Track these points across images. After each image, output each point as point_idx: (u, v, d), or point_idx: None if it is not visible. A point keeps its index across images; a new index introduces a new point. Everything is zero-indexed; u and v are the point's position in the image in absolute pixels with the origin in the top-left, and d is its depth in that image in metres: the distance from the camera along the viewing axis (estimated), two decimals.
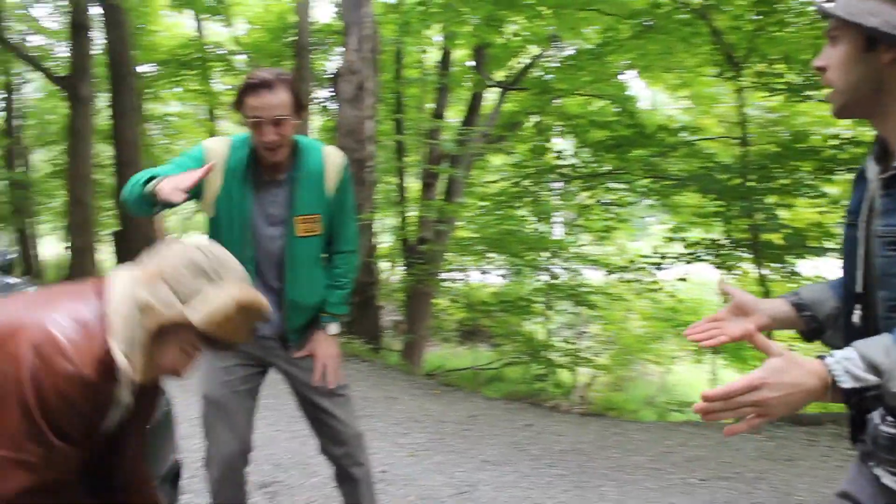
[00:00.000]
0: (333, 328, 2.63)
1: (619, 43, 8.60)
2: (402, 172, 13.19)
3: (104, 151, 14.84)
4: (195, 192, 2.30)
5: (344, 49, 8.99)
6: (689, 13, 7.67)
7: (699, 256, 7.82)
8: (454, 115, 14.05)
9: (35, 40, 16.02)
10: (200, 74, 15.50)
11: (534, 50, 12.19)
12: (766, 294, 6.59)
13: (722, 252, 7.65)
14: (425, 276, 10.51)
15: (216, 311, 1.57)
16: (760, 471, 4.60)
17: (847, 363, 1.15)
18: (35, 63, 14.02)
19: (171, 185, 2.10)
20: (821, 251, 6.73)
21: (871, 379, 1.14)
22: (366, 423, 3.32)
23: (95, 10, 12.60)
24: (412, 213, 12.96)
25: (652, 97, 13.99)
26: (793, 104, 8.08)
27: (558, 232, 11.20)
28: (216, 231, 2.49)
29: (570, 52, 10.75)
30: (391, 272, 13.82)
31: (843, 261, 1.46)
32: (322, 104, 14.51)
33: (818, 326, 1.56)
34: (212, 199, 2.46)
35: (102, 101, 13.99)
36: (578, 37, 10.15)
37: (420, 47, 13.11)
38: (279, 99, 2.34)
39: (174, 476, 2.54)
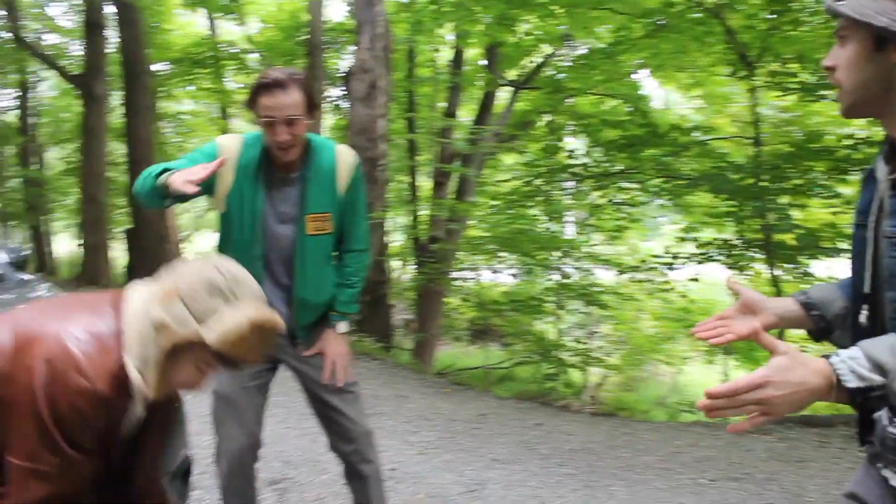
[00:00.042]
0: (343, 326, 2.63)
1: (632, 42, 8.58)
2: (414, 171, 13.21)
3: (118, 149, 14.94)
4: (207, 188, 2.31)
5: (356, 48, 8.99)
6: (703, 12, 7.65)
7: (711, 256, 7.80)
8: (466, 113, 14.06)
9: (50, 39, 16.20)
10: (213, 73, 15.59)
11: (546, 49, 12.18)
12: (779, 295, 6.55)
13: (734, 252, 7.62)
14: (436, 275, 10.53)
15: (231, 331, 1.58)
16: (771, 472, 4.58)
17: (852, 362, 1.15)
18: (50, 61, 14.16)
19: (182, 177, 2.11)
20: (834, 252, 6.69)
21: (876, 379, 1.13)
22: (376, 421, 3.33)
23: (110, 9, 12.71)
24: (424, 212, 12.98)
25: (665, 96, 13.97)
26: (806, 104, 8.02)
27: (570, 231, 11.19)
28: (227, 228, 2.50)
29: (582, 51, 10.75)
30: (402, 271, 13.86)
31: (851, 261, 1.46)
32: (334, 103, 14.54)
33: (826, 326, 1.56)
34: (223, 195, 2.46)
35: (116, 100, 14.11)
36: (591, 36, 10.14)
37: (432, 46, 13.13)
38: (292, 99, 2.34)
39: (185, 472, 2.56)
